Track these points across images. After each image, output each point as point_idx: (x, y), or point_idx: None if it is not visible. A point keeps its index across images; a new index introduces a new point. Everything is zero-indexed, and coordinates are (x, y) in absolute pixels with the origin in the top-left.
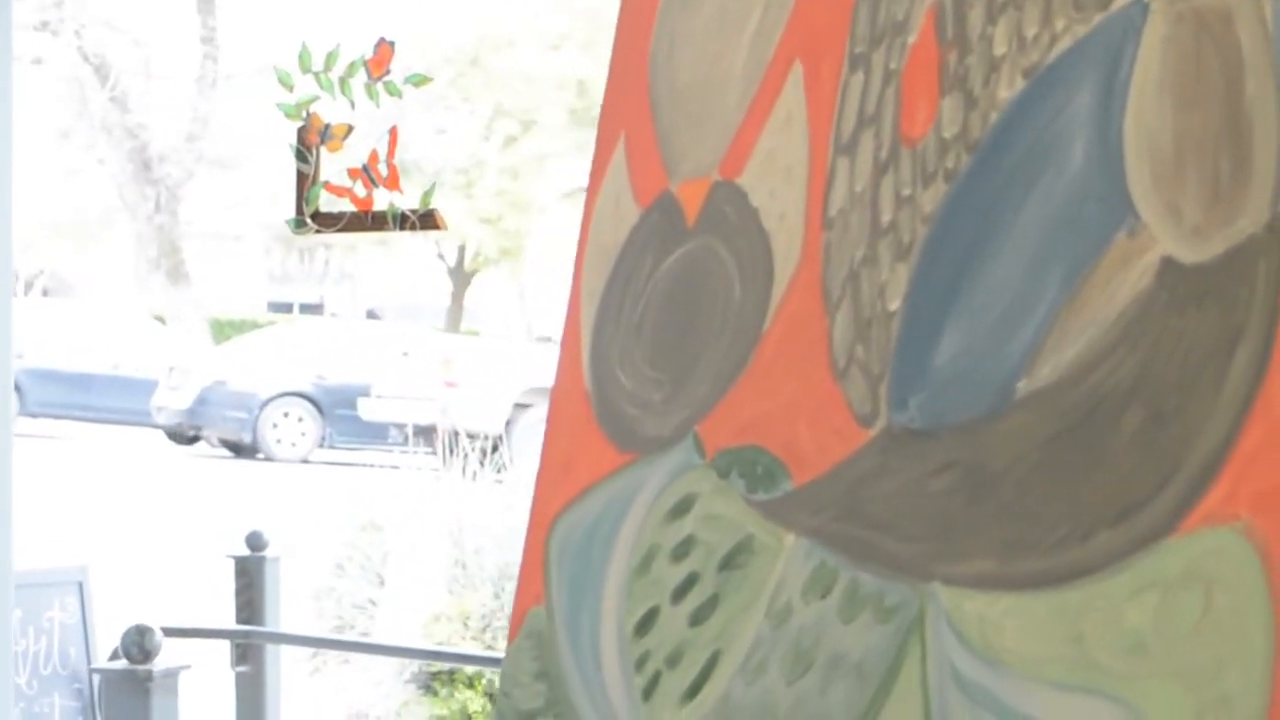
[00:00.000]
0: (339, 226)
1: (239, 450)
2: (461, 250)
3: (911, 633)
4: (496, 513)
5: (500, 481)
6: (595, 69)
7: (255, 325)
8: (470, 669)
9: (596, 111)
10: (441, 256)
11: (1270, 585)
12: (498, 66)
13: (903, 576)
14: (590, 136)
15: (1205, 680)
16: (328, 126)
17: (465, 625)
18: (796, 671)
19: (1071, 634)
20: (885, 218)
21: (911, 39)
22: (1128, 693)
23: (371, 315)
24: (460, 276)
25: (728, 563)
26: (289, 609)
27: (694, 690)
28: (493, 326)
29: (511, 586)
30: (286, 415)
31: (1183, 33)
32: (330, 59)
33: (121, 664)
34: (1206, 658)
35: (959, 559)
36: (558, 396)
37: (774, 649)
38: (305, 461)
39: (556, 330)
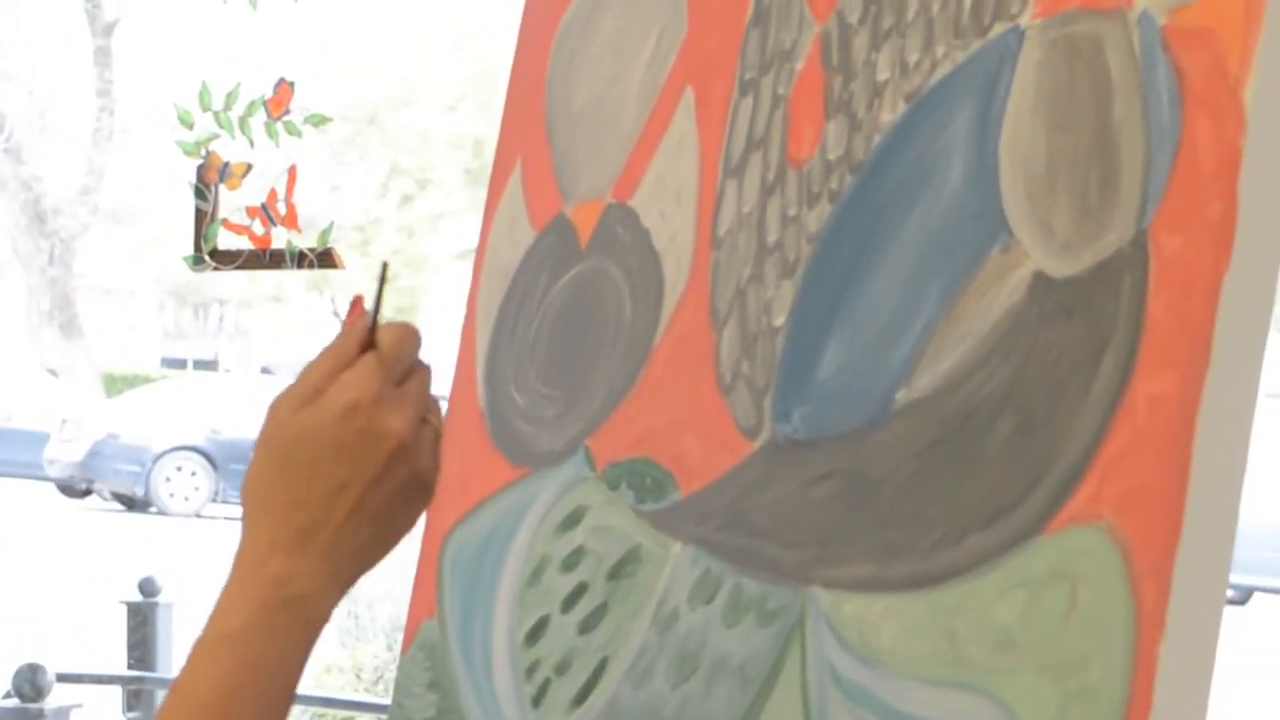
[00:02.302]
0: (237, 264)
1: (131, 504)
2: None
3: (792, 635)
4: (389, 566)
5: None
6: (492, 129)
7: (148, 380)
8: (364, 716)
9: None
10: (336, 314)
11: (1131, 580)
12: (394, 125)
13: (785, 581)
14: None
15: (1070, 673)
16: (226, 165)
17: (358, 677)
18: (682, 675)
19: (945, 632)
20: (772, 237)
21: (799, 65)
22: (997, 686)
23: (266, 371)
24: None
25: (616, 572)
26: (181, 655)
27: (582, 696)
28: None
29: None
30: (180, 469)
31: (1056, 58)
32: (230, 98)
33: (13, 703)
34: (1072, 651)
35: (839, 563)
36: (453, 418)
37: (660, 654)
38: (198, 516)
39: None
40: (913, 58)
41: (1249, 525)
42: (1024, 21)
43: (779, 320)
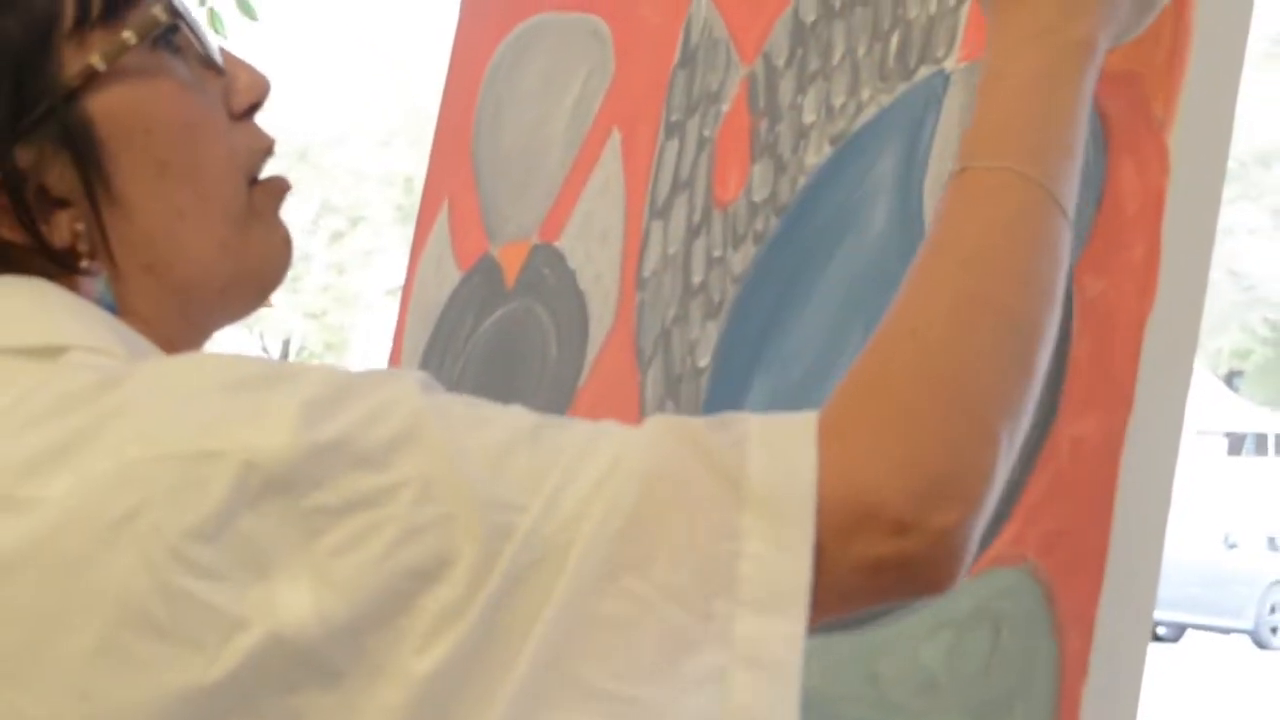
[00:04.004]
0: None
1: None
2: (286, 344)
3: None
4: None
5: None
6: (424, 166)
7: None
8: None
9: None
10: (265, 350)
11: (1054, 622)
12: (326, 162)
13: None
14: None
15: (994, 714)
16: None
17: None
18: None
19: (869, 674)
20: (697, 278)
21: (725, 107)
22: None
23: None
24: None
25: None
26: None
27: None
28: None
29: None
30: None
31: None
32: None
33: None
34: (996, 692)
35: None
36: None
37: None
38: None
39: None
40: (839, 101)
41: (1181, 563)
42: (949, 65)
43: (703, 361)
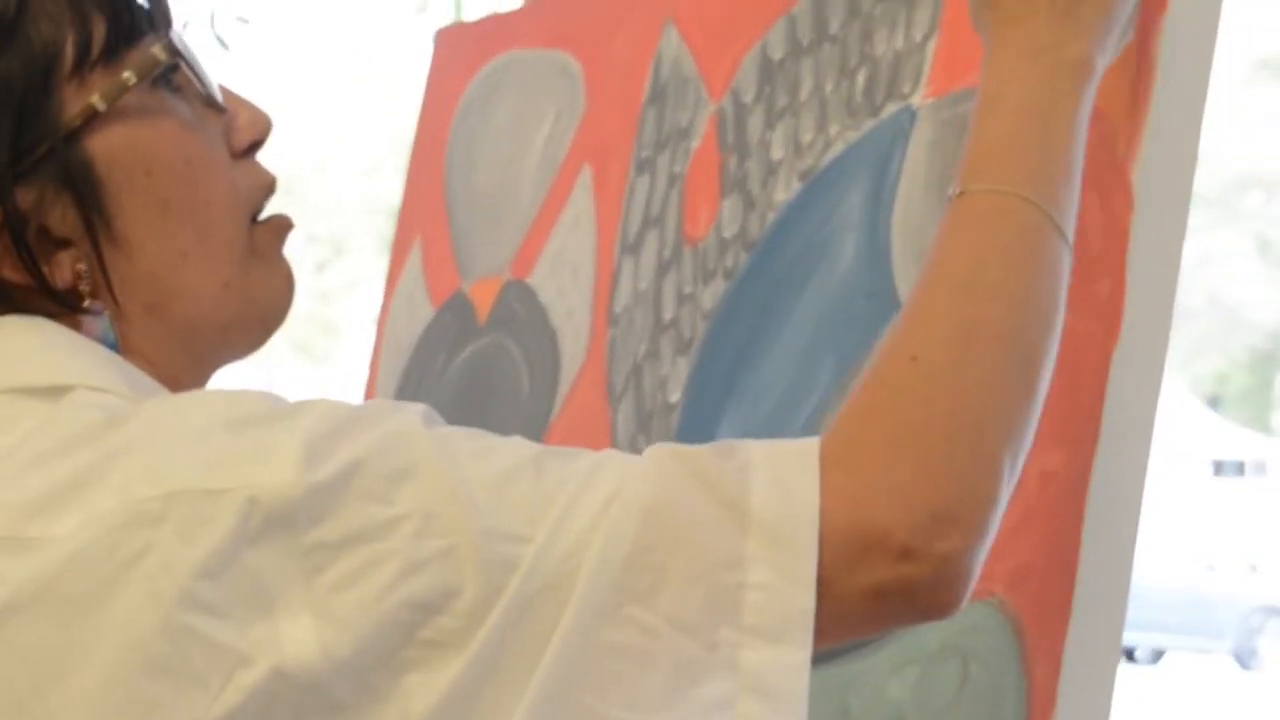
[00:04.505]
0: None
1: None
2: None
3: None
4: None
5: None
6: None
7: None
8: None
9: None
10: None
11: (1023, 656)
12: (309, 191)
13: None
14: None
15: None
16: None
17: None
18: None
19: (839, 708)
20: (667, 314)
21: (695, 144)
22: None
23: None
24: None
25: None
26: None
27: None
28: None
29: None
30: None
31: (947, 138)
32: None
33: None
34: None
35: None
36: None
37: None
38: None
39: None
40: (806, 137)
41: (1163, 585)
42: (916, 101)
43: (674, 396)
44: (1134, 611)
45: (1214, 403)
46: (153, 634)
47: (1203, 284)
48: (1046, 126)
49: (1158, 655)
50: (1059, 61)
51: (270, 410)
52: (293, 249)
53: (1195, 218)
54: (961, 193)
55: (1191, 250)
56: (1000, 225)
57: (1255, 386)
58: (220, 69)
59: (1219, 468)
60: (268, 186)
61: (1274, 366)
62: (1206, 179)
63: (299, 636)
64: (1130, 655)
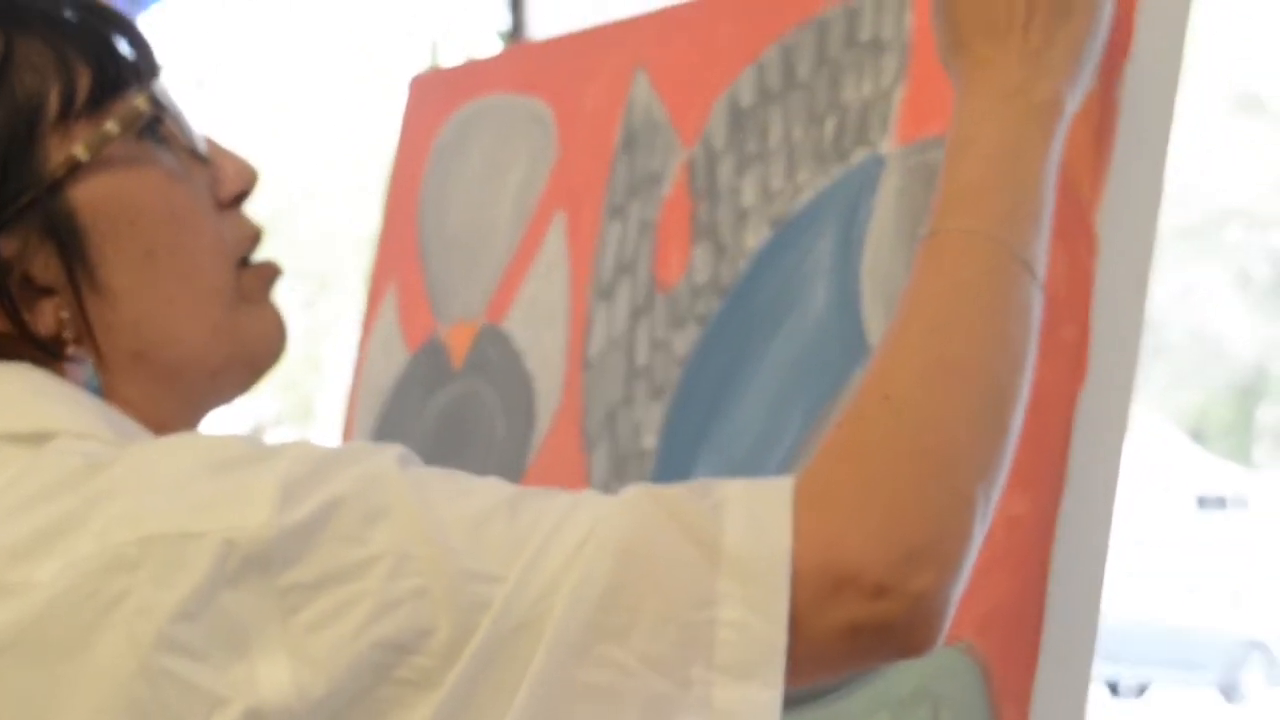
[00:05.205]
0: None
1: None
2: (255, 411)
3: None
4: None
5: None
6: None
7: None
8: None
9: None
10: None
11: (991, 701)
12: (295, 227)
13: None
14: None
15: None
16: None
17: None
18: None
19: None
20: (641, 360)
21: (666, 191)
22: None
23: None
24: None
25: None
26: None
27: None
28: None
29: None
30: None
31: (915, 185)
32: None
33: None
34: None
35: None
36: None
37: None
38: None
39: None
40: (776, 184)
41: (1145, 621)
42: (884, 148)
43: (649, 442)
44: (1118, 645)
45: (1195, 436)
46: (132, 677)
47: (1183, 317)
48: (1017, 168)
49: (1142, 689)
50: (1030, 103)
51: (248, 453)
52: (281, 285)
53: (1175, 251)
54: (933, 232)
55: (1172, 284)
56: (971, 265)
57: (1236, 420)
58: (204, 105)
59: (1201, 501)
60: (255, 237)
61: (1255, 400)
62: (1187, 213)
63: (275, 677)
64: (1114, 689)
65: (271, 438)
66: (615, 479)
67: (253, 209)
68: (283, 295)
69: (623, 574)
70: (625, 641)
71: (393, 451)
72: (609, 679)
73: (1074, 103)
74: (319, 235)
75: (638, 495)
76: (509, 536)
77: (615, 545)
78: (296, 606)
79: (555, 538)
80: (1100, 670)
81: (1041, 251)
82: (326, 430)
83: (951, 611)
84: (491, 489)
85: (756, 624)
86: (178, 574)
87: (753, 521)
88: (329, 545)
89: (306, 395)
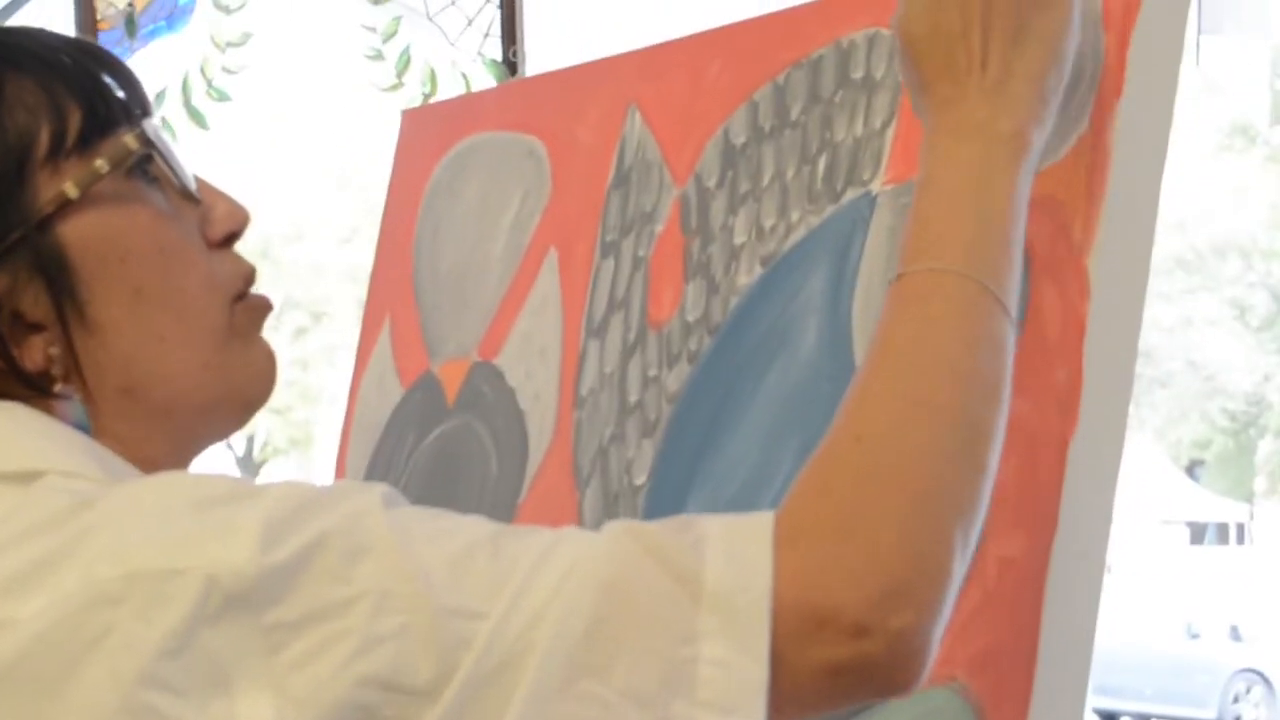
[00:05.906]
0: None
1: None
2: (250, 440)
3: None
4: None
5: None
6: None
7: None
8: None
9: None
10: (230, 446)
11: None
12: (287, 258)
13: None
14: None
15: None
16: None
17: None
18: None
19: None
20: (633, 397)
21: (659, 228)
22: None
23: None
24: (249, 466)
25: None
26: None
27: None
28: None
29: None
30: None
31: (906, 223)
32: None
33: None
34: None
35: None
36: None
37: None
38: None
39: None
40: (768, 222)
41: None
42: (875, 187)
43: (640, 479)
44: (1117, 678)
45: (1194, 468)
46: (114, 713)
47: (1182, 350)
48: (980, 202)
49: None
50: (990, 138)
51: (232, 491)
52: (272, 316)
53: (1173, 283)
54: (900, 275)
55: (1170, 316)
56: (939, 302)
57: (1235, 452)
58: (198, 143)
59: (1199, 534)
60: (246, 276)
61: (1254, 432)
62: (1185, 245)
63: (258, 714)
64: None
65: (263, 470)
66: (607, 516)
67: (245, 240)
68: (276, 327)
69: (604, 610)
70: (607, 678)
71: (377, 490)
72: (590, 715)
73: (1041, 136)
74: (309, 268)
75: (618, 531)
76: (491, 574)
77: (596, 581)
78: (280, 645)
79: (537, 575)
80: (1099, 704)
81: (1013, 283)
82: (327, 458)
83: (934, 650)
84: (474, 526)
85: (738, 660)
86: (161, 610)
87: (733, 558)
88: (312, 584)
89: (302, 422)
